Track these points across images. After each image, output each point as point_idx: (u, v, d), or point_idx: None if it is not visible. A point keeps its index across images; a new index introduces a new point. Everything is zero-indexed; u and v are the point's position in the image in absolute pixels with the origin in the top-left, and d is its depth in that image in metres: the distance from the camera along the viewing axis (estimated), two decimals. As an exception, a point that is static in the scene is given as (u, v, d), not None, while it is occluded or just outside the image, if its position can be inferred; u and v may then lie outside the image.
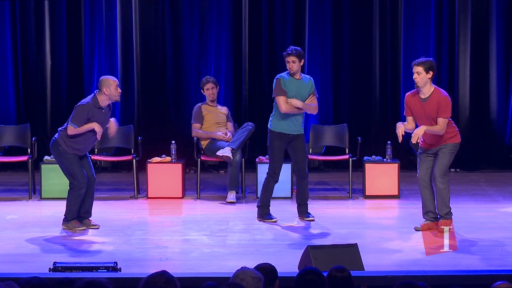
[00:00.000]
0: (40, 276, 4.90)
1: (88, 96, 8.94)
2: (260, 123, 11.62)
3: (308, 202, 9.35)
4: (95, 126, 8.75)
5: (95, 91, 8.86)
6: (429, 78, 8.49)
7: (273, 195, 9.44)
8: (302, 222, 9.23)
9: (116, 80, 8.92)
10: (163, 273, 4.51)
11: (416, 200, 10.22)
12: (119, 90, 8.86)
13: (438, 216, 8.65)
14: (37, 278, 4.75)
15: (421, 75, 8.48)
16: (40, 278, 4.75)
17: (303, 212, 9.32)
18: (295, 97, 9.08)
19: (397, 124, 8.64)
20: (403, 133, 8.51)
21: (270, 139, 9.23)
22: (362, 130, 12.15)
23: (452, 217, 8.63)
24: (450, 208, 8.63)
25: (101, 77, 8.97)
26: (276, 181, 9.28)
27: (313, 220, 9.23)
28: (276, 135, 9.17)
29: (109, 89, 8.76)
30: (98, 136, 8.82)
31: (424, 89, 8.52)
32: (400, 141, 8.67)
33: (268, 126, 9.26)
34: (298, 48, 9.17)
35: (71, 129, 8.75)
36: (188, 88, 12.74)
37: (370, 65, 12.71)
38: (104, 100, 8.80)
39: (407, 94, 8.77)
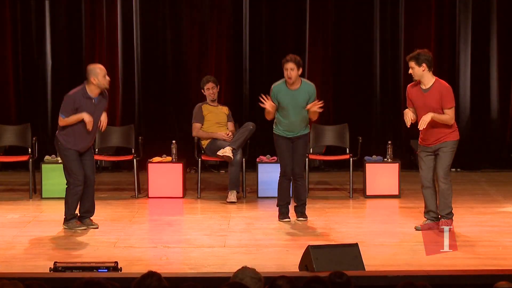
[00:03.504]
0: (40, 276, 4.90)
1: (78, 86, 8.85)
2: (260, 123, 11.62)
3: (305, 203, 9.35)
4: (85, 116, 8.65)
5: (84, 81, 8.80)
6: (423, 71, 8.50)
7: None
8: (301, 222, 9.23)
9: (103, 68, 8.79)
10: (153, 274, 4.58)
11: (416, 200, 10.23)
12: (108, 78, 8.74)
13: (440, 215, 8.65)
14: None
15: (414, 69, 8.52)
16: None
17: (298, 212, 9.34)
18: (288, 106, 9.06)
19: (404, 111, 8.66)
20: (412, 118, 8.52)
21: (274, 141, 9.30)
22: (363, 130, 12.14)
23: (453, 217, 8.63)
24: (452, 208, 8.63)
25: (88, 66, 8.86)
26: (288, 179, 9.29)
27: (306, 220, 9.24)
28: (278, 136, 9.22)
29: (97, 78, 8.67)
30: (89, 126, 8.65)
31: (424, 80, 8.54)
32: (408, 126, 8.66)
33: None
34: (297, 56, 9.11)
35: (61, 120, 8.73)
36: (188, 88, 12.74)
37: (371, 65, 12.72)
38: (93, 89, 8.71)
39: (408, 85, 8.78)
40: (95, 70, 8.70)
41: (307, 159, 10.74)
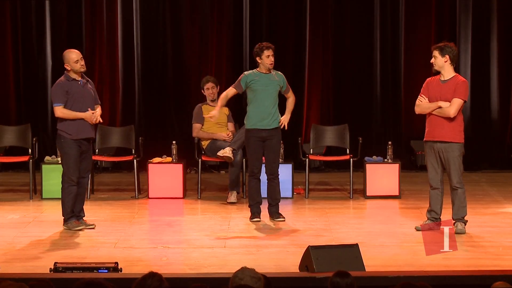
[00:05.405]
0: (41, 276, 4.90)
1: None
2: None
3: (279, 202, 9.37)
4: (84, 116, 8.72)
5: (65, 70, 8.85)
6: (445, 62, 8.52)
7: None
8: (279, 222, 9.23)
9: (77, 52, 8.82)
10: (154, 274, 4.59)
11: (416, 200, 10.24)
12: (82, 62, 8.77)
13: (455, 219, 8.60)
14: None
15: (437, 59, 8.57)
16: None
17: (273, 213, 9.33)
18: (262, 93, 9.17)
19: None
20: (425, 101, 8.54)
21: (245, 139, 9.40)
22: (363, 130, 12.14)
23: (465, 225, 8.62)
24: (466, 214, 8.62)
25: (64, 52, 8.90)
26: (257, 178, 9.30)
27: (284, 221, 9.24)
28: (250, 135, 9.26)
29: (70, 64, 8.76)
30: (92, 120, 8.74)
31: (444, 71, 8.56)
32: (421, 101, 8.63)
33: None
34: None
35: (57, 110, 8.73)
36: (188, 88, 12.74)
37: (371, 66, 12.72)
38: (72, 74, 8.80)
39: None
40: (67, 55, 8.81)
41: (307, 159, 10.76)
